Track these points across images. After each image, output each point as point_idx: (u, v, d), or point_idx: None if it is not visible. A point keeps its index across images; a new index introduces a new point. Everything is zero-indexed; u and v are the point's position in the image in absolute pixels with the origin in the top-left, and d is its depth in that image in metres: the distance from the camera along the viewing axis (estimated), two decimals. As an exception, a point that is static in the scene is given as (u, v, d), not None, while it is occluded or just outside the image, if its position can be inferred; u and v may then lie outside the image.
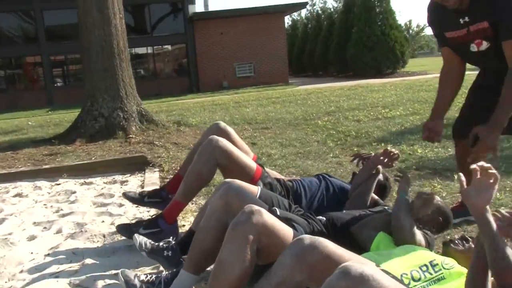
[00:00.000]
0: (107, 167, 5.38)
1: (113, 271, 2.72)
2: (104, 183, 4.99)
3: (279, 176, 3.19)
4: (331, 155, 5.35)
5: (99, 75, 7.48)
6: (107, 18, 7.54)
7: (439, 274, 1.80)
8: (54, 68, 22.61)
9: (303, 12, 36.23)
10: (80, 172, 5.29)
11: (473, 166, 1.48)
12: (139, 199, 3.23)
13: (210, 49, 21.74)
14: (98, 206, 4.09)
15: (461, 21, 2.49)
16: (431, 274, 1.80)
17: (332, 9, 30.70)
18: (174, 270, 2.30)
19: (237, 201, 2.09)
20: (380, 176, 2.83)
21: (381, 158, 2.82)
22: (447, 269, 1.81)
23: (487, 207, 1.46)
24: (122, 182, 4.93)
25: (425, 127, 2.76)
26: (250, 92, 17.68)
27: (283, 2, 23.21)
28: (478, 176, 1.46)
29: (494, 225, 1.44)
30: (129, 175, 5.25)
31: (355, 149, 5.53)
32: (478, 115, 2.56)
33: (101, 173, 5.34)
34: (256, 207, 1.83)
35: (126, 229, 3.02)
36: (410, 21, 27.36)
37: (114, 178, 5.14)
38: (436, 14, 2.69)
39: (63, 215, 3.87)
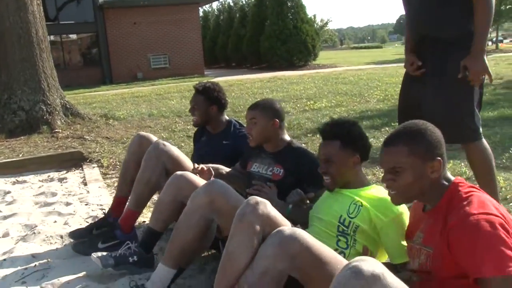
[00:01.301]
0: (40, 164, 5.07)
1: (83, 273, 2.62)
2: (40, 181, 4.71)
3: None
4: (271, 147, 5.48)
5: (17, 66, 6.97)
6: (23, 3, 7.03)
7: (352, 226, 1.94)
8: None
9: (214, 4, 36.16)
10: (9, 171, 4.94)
11: None
12: (88, 234, 3.01)
13: (123, 39, 20.99)
14: (43, 206, 3.87)
15: None
16: (347, 231, 1.94)
17: (244, 2, 30.89)
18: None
19: (222, 198, 2.11)
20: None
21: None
22: (354, 216, 1.95)
23: None
24: (61, 180, 4.69)
25: (407, 61, 2.83)
26: (168, 83, 17.37)
27: (197, -7, 22.98)
28: None
29: None
30: (65, 171, 5.00)
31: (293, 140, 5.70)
32: (414, 104, 2.75)
33: (33, 171, 5.02)
34: (260, 199, 1.87)
35: (84, 249, 2.83)
36: (314, 16, 28.37)
37: (49, 176, 4.87)
38: None
39: (5, 217, 3.62)
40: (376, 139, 5.40)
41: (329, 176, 2.05)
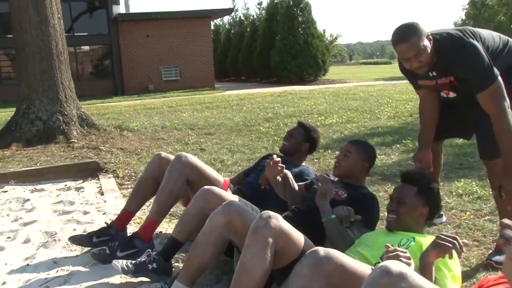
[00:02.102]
0: (58, 173, 5.20)
1: (105, 279, 2.72)
2: (57, 189, 4.83)
3: None
4: (283, 161, 5.57)
5: (37, 77, 7.15)
6: (45, 17, 7.23)
7: None
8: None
9: (226, 18, 36.53)
10: (28, 179, 5.07)
11: None
12: (87, 241, 3.14)
13: (135, 52, 21.30)
14: (61, 214, 3.98)
15: (430, 74, 2.71)
16: None
17: (255, 16, 31.21)
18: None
19: (239, 219, 2.19)
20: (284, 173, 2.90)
21: (270, 171, 2.84)
22: (406, 246, 2.01)
23: None
24: (78, 189, 4.81)
25: (415, 159, 2.95)
26: (179, 96, 17.58)
27: (209, 7, 23.30)
28: None
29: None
30: (81, 181, 5.12)
31: (305, 155, 5.80)
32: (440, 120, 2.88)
33: (51, 180, 5.15)
34: (272, 213, 1.97)
35: (101, 255, 2.91)
36: (324, 31, 28.63)
37: (66, 185, 4.99)
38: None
39: (25, 224, 3.73)
40: (387, 156, 5.48)
41: (395, 215, 2.18)
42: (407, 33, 2.49)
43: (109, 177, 5.11)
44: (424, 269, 1.76)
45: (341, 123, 8.31)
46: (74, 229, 3.56)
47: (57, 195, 4.61)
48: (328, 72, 26.08)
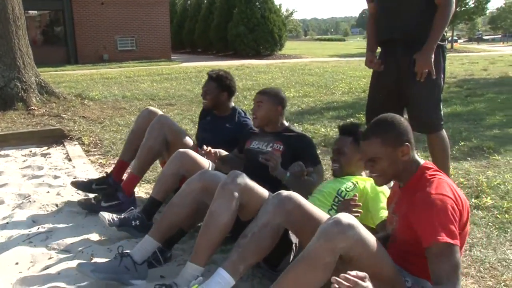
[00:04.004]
0: (21, 139, 5.24)
1: (85, 236, 2.91)
2: (23, 155, 4.89)
3: None
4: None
5: (-7, 42, 7.00)
6: (1, -19, 7.05)
7: (347, 197, 2.35)
8: None
9: (182, -12, 35.81)
10: (-10, 144, 5.08)
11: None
12: (88, 186, 3.43)
13: (89, 19, 20.69)
14: (31, 178, 4.07)
15: None
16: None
17: (213, -12, 30.79)
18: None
19: (214, 184, 2.37)
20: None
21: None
22: (350, 190, 2.41)
23: None
24: (44, 155, 4.88)
25: (367, 59, 3.28)
26: (135, 66, 17.37)
27: (166, -24, 22.84)
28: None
29: None
30: (46, 148, 5.18)
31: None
32: (384, 101, 3.16)
33: (14, 146, 5.18)
34: (240, 172, 2.25)
35: (87, 205, 3.22)
36: (280, 5, 28.62)
37: (31, 151, 5.05)
38: None
39: (-4, 187, 3.82)
40: (342, 128, 5.85)
41: (338, 163, 2.54)
42: None
43: (75, 144, 5.21)
44: None
45: (299, 97, 8.63)
46: (48, 192, 3.69)
47: (24, 161, 4.68)
48: (284, 47, 26.34)
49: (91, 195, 3.42)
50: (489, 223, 3.03)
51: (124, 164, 3.47)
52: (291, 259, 2.29)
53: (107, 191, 3.27)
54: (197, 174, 2.50)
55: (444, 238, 1.65)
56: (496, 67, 14.83)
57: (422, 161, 1.95)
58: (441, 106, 3.12)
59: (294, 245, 2.32)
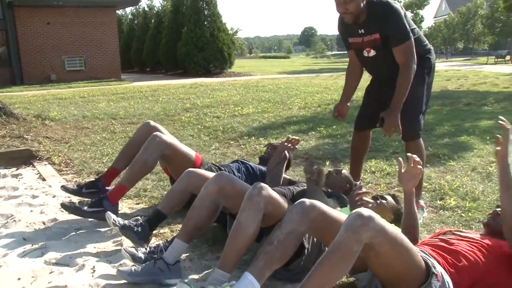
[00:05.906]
0: (-13, 161, 5.15)
1: (81, 250, 2.97)
2: (-8, 177, 4.82)
3: None
4: (213, 148, 5.98)
5: None
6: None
7: None
8: None
9: (128, 9, 35.66)
10: (-44, 167, 4.97)
11: (410, 155, 2.36)
12: (78, 191, 3.54)
13: (35, 39, 20.17)
14: (9, 199, 4.04)
15: (359, 31, 3.37)
16: None
17: (160, 9, 30.85)
18: (169, 240, 2.76)
19: (230, 186, 2.63)
20: (287, 154, 3.50)
21: (286, 144, 3.48)
22: None
23: (413, 189, 2.38)
24: (16, 176, 4.83)
25: (335, 109, 3.65)
26: (85, 86, 17.10)
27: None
28: (412, 165, 2.34)
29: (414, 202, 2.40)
30: (15, 169, 5.12)
31: (231, 142, 6.27)
32: (373, 113, 3.48)
33: (-20, 168, 5.09)
34: (263, 184, 2.44)
35: (71, 207, 3.31)
36: (225, 24, 28.71)
37: (0, 172, 4.97)
38: (343, 24, 3.50)
39: (-26, 209, 3.78)
40: (306, 142, 6.16)
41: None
42: None
43: (45, 164, 5.18)
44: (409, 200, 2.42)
45: (258, 112, 8.88)
46: (31, 210, 3.69)
47: (-5, 182, 4.62)
48: (233, 65, 26.74)
49: (75, 199, 3.52)
50: (456, 221, 3.36)
51: (115, 171, 3.56)
52: (302, 262, 2.50)
53: (93, 202, 3.32)
54: (213, 177, 2.71)
55: None
56: (435, 82, 15.75)
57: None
58: (422, 117, 3.43)
59: (306, 249, 2.53)
